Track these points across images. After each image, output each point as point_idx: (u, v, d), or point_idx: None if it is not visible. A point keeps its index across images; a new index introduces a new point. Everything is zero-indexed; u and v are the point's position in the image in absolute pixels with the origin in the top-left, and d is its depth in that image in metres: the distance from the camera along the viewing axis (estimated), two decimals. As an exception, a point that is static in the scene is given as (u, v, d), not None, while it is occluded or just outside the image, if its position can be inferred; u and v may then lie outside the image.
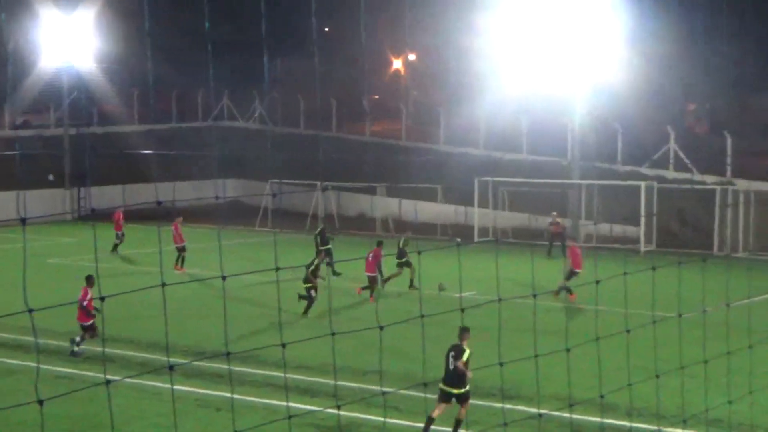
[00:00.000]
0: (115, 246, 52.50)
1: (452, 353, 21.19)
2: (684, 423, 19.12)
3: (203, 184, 74.31)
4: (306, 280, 34.88)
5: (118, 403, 23.09)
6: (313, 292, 34.55)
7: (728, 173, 58.12)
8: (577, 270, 39.21)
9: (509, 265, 45.79)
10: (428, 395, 22.65)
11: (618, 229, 56.76)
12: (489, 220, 58.37)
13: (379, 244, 40.47)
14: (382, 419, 21.62)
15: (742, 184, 56.45)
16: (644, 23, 56.41)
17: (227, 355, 27.14)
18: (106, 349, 29.65)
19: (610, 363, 23.05)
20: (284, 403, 22.19)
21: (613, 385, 21.48)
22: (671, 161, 60.18)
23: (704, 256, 48.28)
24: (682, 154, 59.74)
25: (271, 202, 65.96)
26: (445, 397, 21.19)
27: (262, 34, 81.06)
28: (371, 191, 66.24)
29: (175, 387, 24.38)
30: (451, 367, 21.03)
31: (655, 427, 20.04)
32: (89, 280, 28.98)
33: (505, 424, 19.25)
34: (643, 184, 54.97)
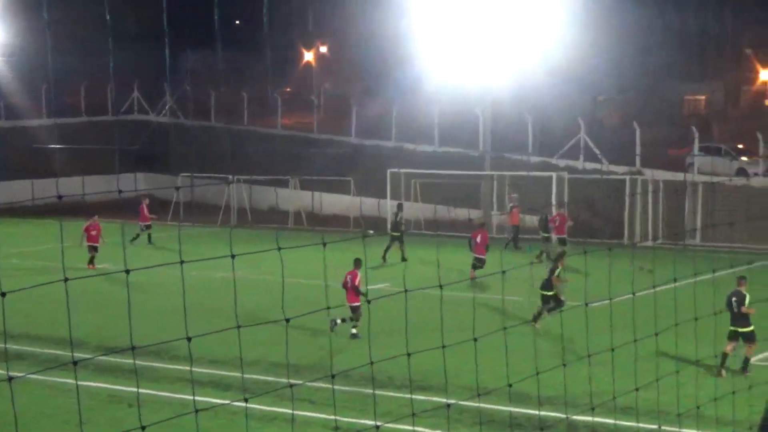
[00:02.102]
0: (149, 236, 53.13)
1: (734, 298, 25.08)
2: (592, 410, 19.30)
3: (113, 178, 73.54)
4: (546, 287, 31.09)
5: (27, 400, 22.78)
6: (562, 297, 30.99)
7: (637, 163, 58.78)
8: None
9: (422, 257, 45.96)
10: (337, 386, 22.66)
11: (529, 219, 57.13)
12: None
13: (482, 225, 41.95)
14: (301, 412, 21.59)
15: (650, 173, 57.12)
16: (554, 15, 56.73)
17: (132, 350, 26.84)
18: (15, 347, 29.22)
19: (519, 352, 23.22)
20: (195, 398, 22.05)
21: (523, 374, 21.65)
22: (581, 152, 60.73)
23: (614, 245, 48.81)
24: (592, 145, 60.33)
25: (180, 195, 65.56)
26: (733, 336, 25.04)
27: (165, 26, 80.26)
28: (283, 184, 66.08)
29: (87, 383, 24.13)
30: (735, 310, 24.90)
31: (564, 415, 20.21)
32: (357, 263, 30.01)
33: (414, 415, 19.29)
34: (554, 174, 55.36)
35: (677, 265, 35.65)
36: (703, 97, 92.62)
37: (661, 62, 79.06)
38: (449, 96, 63.35)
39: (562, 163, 60.36)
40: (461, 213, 58.59)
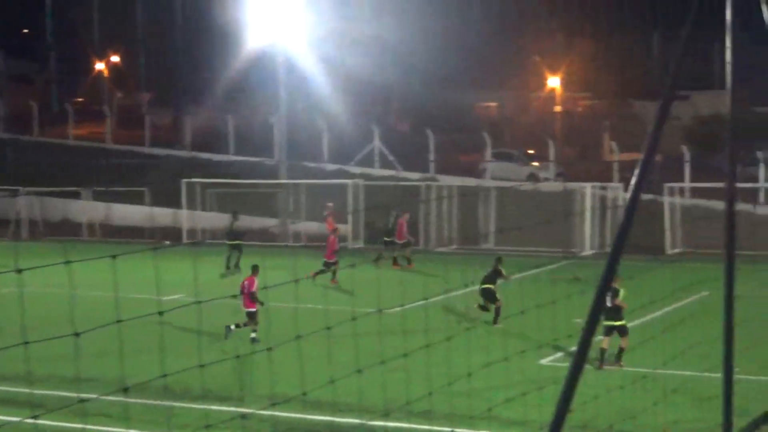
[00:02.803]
0: None
1: (608, 293, 25.17)
2: (386, 416, 19.45)
3: None
4: (487, 281, 31.80)
5: None
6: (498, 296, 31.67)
7: (431, 169, 59.57)
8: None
9: (218, 267, 45.70)
10: (133, 399, 22.32)
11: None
12: (198, 222, 57.99)
13: (335, 231, 43.52)
14: (94, 427, 21.21)
15: (445, 179, 57.96)
16: (345, 24, 57.17)
17: None
18: None
19: (314, 360, 23.28)
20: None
21: (319, 381, 21.69)
22: (376, 159, 61.25)
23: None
24: (386, 152, 60.90)
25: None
26: (608, 331, 26.87)
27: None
28: (76, 195, 64.81)
29: None
30: (609, 304, 26.06)
31: (359, 421, 20.32)
32: (255, 269, 30.74)
33: (210, 426, 19.15)
34: (349, 182, 55.68)
35: (470, 270, 36.27)
36: (494, 104, 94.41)
37: (452, 70, 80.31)
38: (244, 104, 63.20)
39: (357, 170, 60.76)
40: (259, 222, 58.45)
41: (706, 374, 21.14)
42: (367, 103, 74.24)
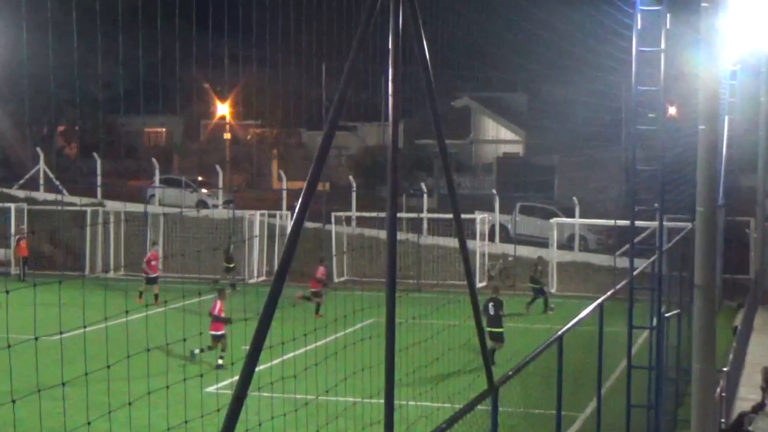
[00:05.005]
0: None
1: (491, 303, 31.40)
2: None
3: None
4: None
5: None
6: None
7: (98, 194, 58.61)
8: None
9: None
10: None
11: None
12: None
13: (322, 260, 43.49)
14: None
15: (112, 204, 57.16)
16: (6, 42, 55.66)
17: None
18: None
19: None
20: None
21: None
22: (41, 182, 59.82)
23: (76, 277, 48.32)
24: (52, 176, 59.53)
25: None
26: (489, 335, 29.76)
27: None
28: None
29: None
30: (492, 313, 31.08)
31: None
32: (221, 293, 31.95)
33: None
34: (12, 205, 54.18)
35: (132, 297, 35.76)
36: (163, 130, 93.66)
37: (121, 93, 79.32)
38: None
39: (21, 193, 59.17)
40: None
41: (368, 400, 21.51)
42: (32, 125, 72.31)
